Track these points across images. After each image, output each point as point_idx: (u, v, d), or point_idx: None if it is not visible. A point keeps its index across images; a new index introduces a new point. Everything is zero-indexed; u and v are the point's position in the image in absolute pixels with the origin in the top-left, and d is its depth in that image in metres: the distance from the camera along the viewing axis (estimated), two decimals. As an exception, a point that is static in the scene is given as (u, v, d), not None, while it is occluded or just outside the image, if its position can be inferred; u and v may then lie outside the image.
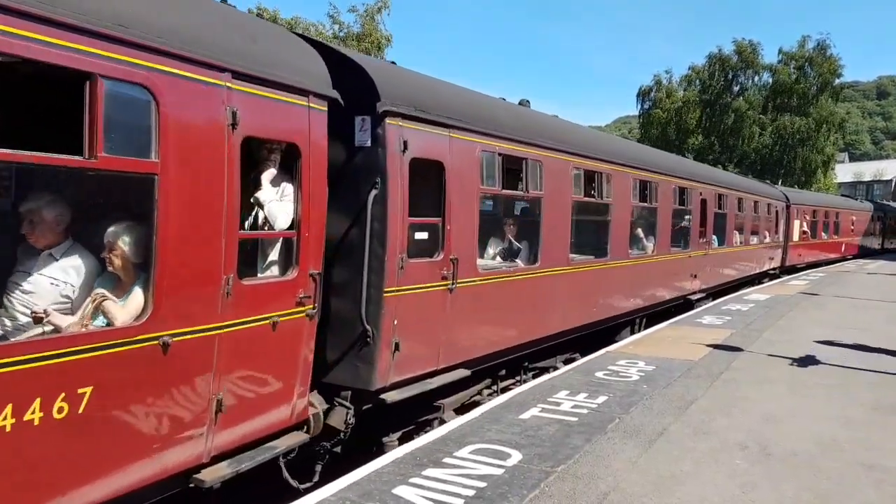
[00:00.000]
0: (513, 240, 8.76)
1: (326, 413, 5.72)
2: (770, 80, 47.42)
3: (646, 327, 12.46)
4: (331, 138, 5.27)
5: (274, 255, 5.17)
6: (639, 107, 51.30)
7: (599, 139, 11.73)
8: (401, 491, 4.68)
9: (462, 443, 5.69)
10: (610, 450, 5.61)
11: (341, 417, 5.87)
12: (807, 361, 9.19)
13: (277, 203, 5.06)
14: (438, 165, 6.45)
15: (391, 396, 6.05)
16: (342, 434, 5.86)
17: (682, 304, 14.49)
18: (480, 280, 7.16)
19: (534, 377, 8.78)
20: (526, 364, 8.95)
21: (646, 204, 11.94)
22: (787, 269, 24.63)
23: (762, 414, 6.76)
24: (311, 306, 5.13)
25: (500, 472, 5.07)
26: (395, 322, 5.93)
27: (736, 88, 47.99)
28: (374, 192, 5.69)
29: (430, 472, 5.04)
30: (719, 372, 8.51)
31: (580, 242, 9.79)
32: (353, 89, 5.54)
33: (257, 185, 5.07)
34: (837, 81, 46.86)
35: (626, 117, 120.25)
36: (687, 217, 14.19)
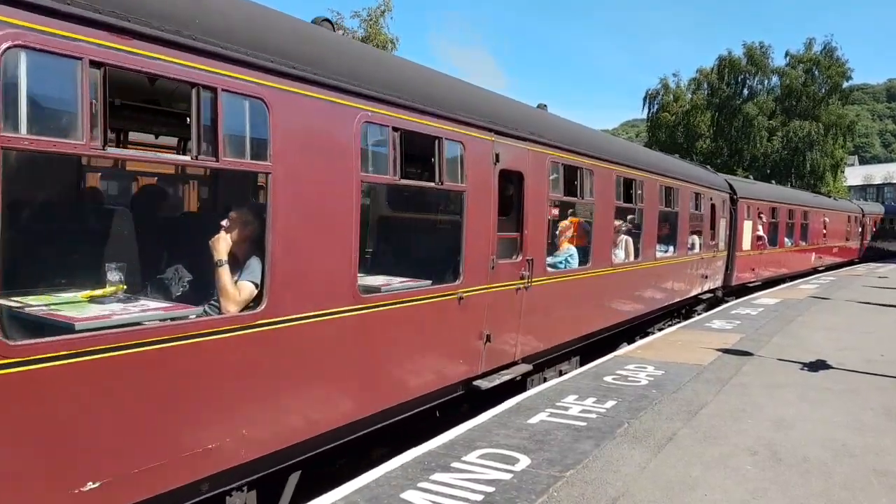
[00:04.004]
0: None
1: None
2: (778, 84, 47.29)
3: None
4: None
5: None
6: (646, 110, 51.31)
7: None
8: (409, 495, 4.68)
9: (470, 447, 5.69)
10: (619, 455, 5.59)
11: None
12: (817, 366, 9.13)
13: None
14: None
15: None
16: None
17: (465, 397, 7.08)
18: None
19: None
20: None
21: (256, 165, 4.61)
22: (734, 291, 18.16)
23: (772, 419, 6.72)
24: None
25: (508, 476, 5.06)
26: None
27: (745, 92, 47.86)
28: None
29: (438, 476, 5.04)
30: (729, 377, 8.47)
31: None
32: None
33: None
34: (846, 84, 46.70)
35: (633, 120, 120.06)
36: (454, 211, 6.89)
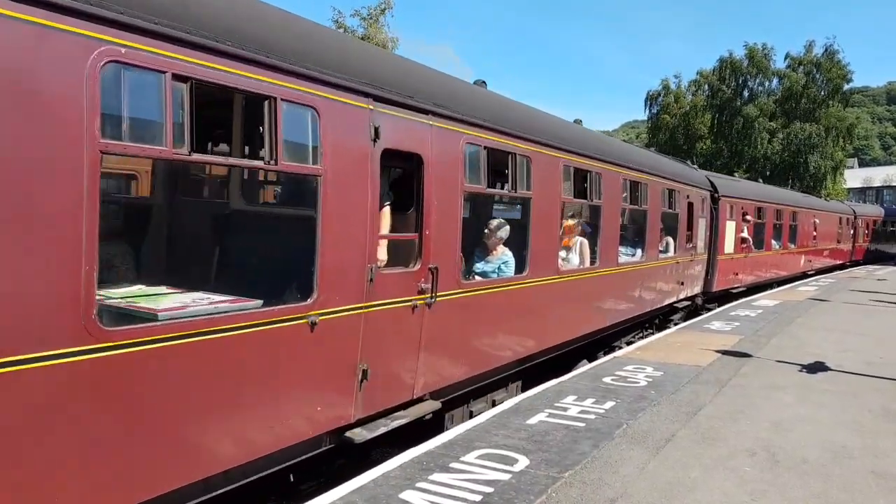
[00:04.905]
0: None
1: None
2: (779, 86, 47.30)
3: None
4: None
5: None
6: (647, 111, 51.37)
7: None
8: (407, 496, 4.67)
9: (469, 447, 5.68)
10: (618, 456, 5.59)
11: None
12: (815, 368, 9.13)
13: None
14: None
15: None
16: None
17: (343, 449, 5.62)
18: None
19: None
20: None
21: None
22: (716, 297, 16.85)
23: (771, 420, 6.72)
24: None
25: (507, 477, 5.05)
26: None
27: (746, 94, 47.88)
28: None
29: (436, 476, 5.03)
30: (728, 378, 8.46)
31: None
32: None
33: None
34: (846, 87, 46.70)
35: (634, 122, 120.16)
36: (304, 202, 5.40)
